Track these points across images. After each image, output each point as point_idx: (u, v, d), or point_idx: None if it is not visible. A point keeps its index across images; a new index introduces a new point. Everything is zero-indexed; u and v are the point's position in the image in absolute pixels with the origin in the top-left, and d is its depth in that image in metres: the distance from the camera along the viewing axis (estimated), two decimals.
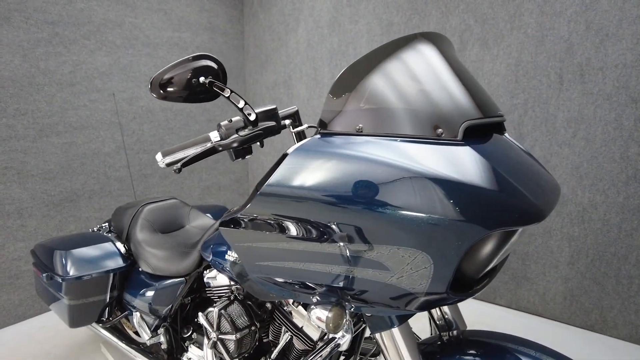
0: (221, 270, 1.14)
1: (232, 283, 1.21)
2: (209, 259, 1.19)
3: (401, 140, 0.65)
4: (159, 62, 2.67)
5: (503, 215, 0.60)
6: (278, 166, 0.71)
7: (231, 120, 0.89)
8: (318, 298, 0.80)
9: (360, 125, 0.68)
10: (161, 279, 1.40)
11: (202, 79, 0.83)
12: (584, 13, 1.91)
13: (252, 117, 0.86)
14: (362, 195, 0.63)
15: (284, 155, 0.71)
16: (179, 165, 0.83)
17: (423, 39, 0.75)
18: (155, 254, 1.41)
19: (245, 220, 0.79)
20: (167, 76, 0.82)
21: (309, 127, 1.05)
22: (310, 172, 0.68)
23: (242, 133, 0.86)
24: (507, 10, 2.10)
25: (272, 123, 0.90)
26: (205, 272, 1.30)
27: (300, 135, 1.04)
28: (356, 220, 0.65)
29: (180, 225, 1.64)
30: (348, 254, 0.69)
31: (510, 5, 2.09)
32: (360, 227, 0.65)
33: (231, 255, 1.08)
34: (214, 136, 0.86)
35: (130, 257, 1.56)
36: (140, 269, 1.52)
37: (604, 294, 2.03)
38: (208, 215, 1.78)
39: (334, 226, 0.68)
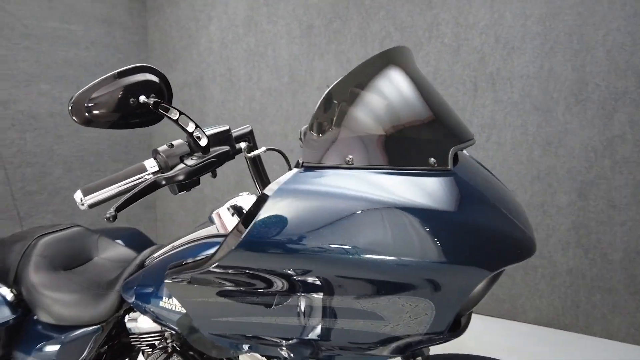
0: (153, 318, 0.96)
1: (165, 329, 1.03)
2: (134, 303, 0.99)
3: (397, 173, 0.59)
4: (42, 57, 2.25)
5: (508, 252, 0.59)
6: (257, 210, 0.58)
7: (172, 145, 0.72)
8: (288, 351, 0.70)
9: (350, 156, 0.59)
10: (68, 330, 1.13)
11: (142, 98, 0.66)
12: (493, 27, 2.05)
13: (204, 143, 0.71)
14: (363, 242, 0.55)
15: (263, 197, 0.58)
16: (112, 211, 0.64)
17: (396, 56, 0.69)
18: (59, 298, 1.14)
19: (205, 275, 0.66)
20: (95, 95, 0.63)
21: (268, 149, 0.91)
22: (299, 216, 0.56)
23: (190, 162, 0.70)
24: (425, 20, 2.17)
25: (226, 148, 0.75)
26: (127, 315, 1.09)
27: (256, 162, 0.88)
28: (354, 270, 0.57)
29: (87, 258, 1.37)
30: (338, 306, 0.60)
31: (428, 15, 2.16)
32: (359, 277, 0.57)
33: (168, 302, 0.90)
34: (151, 166, 0.69)
35: (20, 306, 1.25)
36: (35, 319, 1.22)
37: (514, 284, 2.21)
38: (119, 242, 1.52)
39: (326, 277, 0.58)
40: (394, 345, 0.63)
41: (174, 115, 0.68)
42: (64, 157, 2.44)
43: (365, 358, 0.67)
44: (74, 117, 0.64)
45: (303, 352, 0.69)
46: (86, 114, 0.64)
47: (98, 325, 1.11)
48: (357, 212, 0.55)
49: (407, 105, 0.65)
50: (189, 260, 0.74)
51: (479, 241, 0.57)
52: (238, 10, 2.59)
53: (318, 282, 0.59)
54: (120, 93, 0.65)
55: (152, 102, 0.67)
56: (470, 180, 0.62)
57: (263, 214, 0.57)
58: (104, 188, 0.66)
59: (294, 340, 0.68)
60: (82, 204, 0.65)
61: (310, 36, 2.43)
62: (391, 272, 0.56)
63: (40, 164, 2.32)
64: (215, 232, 0.98)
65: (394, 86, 0.66)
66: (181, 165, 0.70)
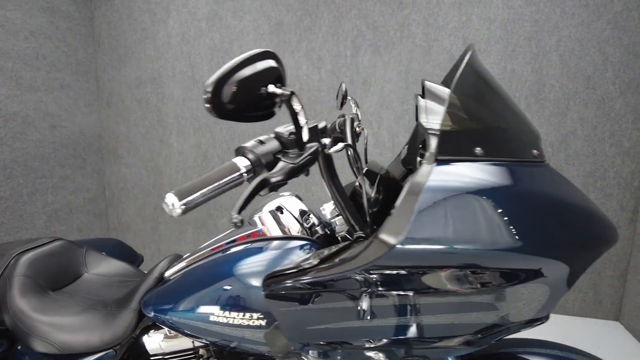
0: (187, 333, 0.88)
1: (199, 344, 0.95)
2: (159, 319, 0.91)
3: (517, 165, 0.61)
4: None
5: (605, 238, 0.62)
6: (408, 209, 0.55)
7: (261, 142, 0.66)
8: (382, 354, 0.68)
9: (479, 149, 0.59)
10: (75, 358, 1.00)
11: (271, 87, 0.61)
12: (461, 29, 2.16)
13: (306, 138, 0.66)
14: (507, 234, 0.56)
15: (409, 196, 0.56)
16: (237, 215, 0.57)
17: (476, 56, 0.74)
18: (60, 323, 1.00)
19: (323, 280, 0.63)
20: (230, 85, 0.56)
21: (346, 146, 0.85)
22: (456, 211, 0.56)
23: (292, 159, 0.65)
24: (396, 20, 2.23)
25: (316, 144, 0.71)
26: (144, 335, 0.99)
27: (330, 160, 0.82)
28: (494, 261, 0.57)
29: (76, 275, 1.22)
30: (453, 300, 0.60)
31: (399, 15, 2.22)
32: (496, 267, 0.57)
33: (215, 314, 0.83)
34: (244, 165, 0.63)
35: (4, 337, 1.08)
36: (23, 350, 1.06)
37: None
38: (102, 253, 1.37)
39: (464, 271, 0.58)
40: (489, 334, 0.64)
41: (297, 106, 0.64)
42: (3, 162, 2.15)
43: (455, 351, 0.68)
44: (213, 111, 0.57)
45: (397, 353, 0.68)
46: (225, 106, 0.58)
47: (110, 350, 0.99)
48: (503, 204, 0.56)
49: (507, 100, 0.69)
50: (288, 268, 0.69)
51: (588, 226, 0.60)
52: (200, 4, 2.46)
53: (449, 276, 0.58)
54: (253, 82, 0.59)
55: (288, 92, 0.62)
56: (556, 170, 0.66)
57: (420, 211, 0.55)
58: (199, 190, 0.59)
59: (389, 341, 0.67)
60: (176, 209, 0.57)
61: (280, 33, 2.38)
62: (526, 260, 0.57)
63: None
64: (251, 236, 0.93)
65: (495, 83, 0.70)
66: (282, 164, 0.65)
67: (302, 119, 0.66)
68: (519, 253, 0.56)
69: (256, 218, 0.96)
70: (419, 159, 0.79)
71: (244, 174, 0.63)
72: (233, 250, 0.90)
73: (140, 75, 2.63)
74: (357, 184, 0.87)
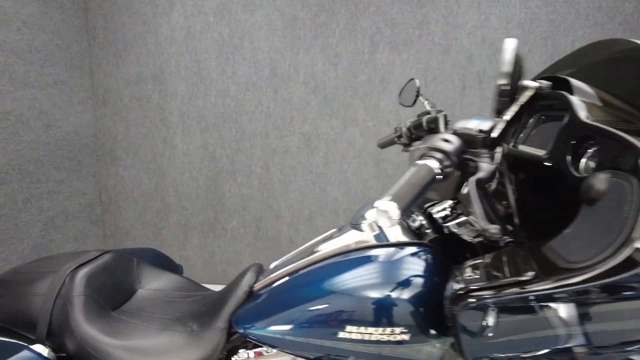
0: (296, 350, 0.81)
1: None
2: (260, 337, 0.83)
3: None
4: None
5: None
6: None
7: (448, 140, 0.61)
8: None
9: None
10: None
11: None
12: (480, 28, 2.18)
13: (495, 134, 0.62)
14: None
15: None
16: (398, 212, 0.51)
17: None
18: (137, 347, 0.90)
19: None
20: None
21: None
22: None
23: (487, 159, 0.60)
24: (415, 17, 2.21)
25: (503, 145, 0.66)
26: (235, 355, 0.91)
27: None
28: None
29: (131, 291, 1.11)
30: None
31: (418, 13, 2.20)
32: None
33: (332, 327, 0.77)
34: (435, 166, 0.58)
35: None
36: None
37: None
38: (152, 266, 1.26)
39: None
40: None
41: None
42: None
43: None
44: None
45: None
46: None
47: None
48: None
49: None
50: (481, 283, 0.63)
51: None
52: None
53: None
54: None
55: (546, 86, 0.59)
56: None
57: None
58: (409, 194, 0.53)
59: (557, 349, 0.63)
60: (394, 216, 0.51)
61: (294, 29, 2.30)
62: None
63: None
64: (359, 242, 0.87)
65: None
66: (485, 164, 0.60)
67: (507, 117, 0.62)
68: None
69: (365, 224, 0.90)
70: (569, 157, 0.76)
71: (437, 176, 0.58)
72: (342, 259, 0.84)
73: (140, 72, 2.47)
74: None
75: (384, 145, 1.28)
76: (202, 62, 2.40)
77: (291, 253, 1.00)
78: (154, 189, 2.57)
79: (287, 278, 0.89)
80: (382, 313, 0.73)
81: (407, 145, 1.15)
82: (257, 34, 2.34)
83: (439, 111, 1.06)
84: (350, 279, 0.78)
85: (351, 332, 0.75)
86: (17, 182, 2.04)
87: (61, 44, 2.29)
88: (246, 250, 2.57)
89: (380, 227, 0.88)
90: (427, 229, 0.90)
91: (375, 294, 0.75)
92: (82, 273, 0.99)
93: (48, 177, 2.22)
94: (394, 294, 0.74)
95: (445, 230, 0.89)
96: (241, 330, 0.86)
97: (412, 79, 1.21)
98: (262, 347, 0.90)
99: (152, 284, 1.15)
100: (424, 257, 0.80)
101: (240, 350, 0.92)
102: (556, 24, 2.12)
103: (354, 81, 2.30)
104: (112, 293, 1.04)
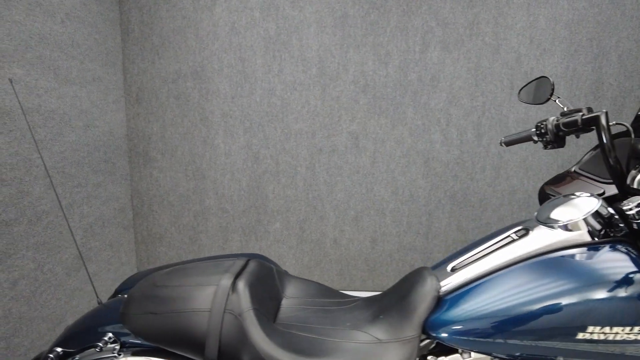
0: (498, 353, 0.79)
1: None
2: (466, 342, 0.81)
3: None
4: (15, 29, 1.60)
5: None
6: None
7: None
8: None
9: None
10: None
11: None
12: (529, 29, 2.22)
13: None
14: None
15: None
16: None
17: None
18: None
19: None
20: None
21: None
22: None
23: None
24: (466, 17, 2.23)
25: None
26: None
27: None
28: None
29: (277, 299, 1.04)
30: None
31: (469, 13, 2.22)
32: None
33: (568, 327, 0.75)
34: None
35: None
36: None
37: None
38: (285, 272, 1.19)
39: None
40: None
41: None
42: (44, 169, 1.79)
43: None
44: None
45: None
46: None
47: None
48: None
49: None
50: None
51: None
52: None
53: None
54: None
55: None
56: None
57: None
58: None
59: None
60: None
61: (345, 26, 2.27)
62: None
63: (18, 180, 1.64)
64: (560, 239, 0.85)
65: None
66: None
67: None
68: None
69: (569, 223, 0.88)
70: None
71: None
72: (552, 258, 0.82)
73: (179, 69, 2.35)
74: None
75: (511, 142, 1.27)
76: (247, 60, 2.32)
77: (468, 254, 0.97)
78: (193, 191, 2.45)
79: (482, 281, 0.86)
80: (628, 311, 0.72)
81: (549, 144, 1.15)
82: (305, 31, 2.28)
83: (589, 109, 1.05)
84: (577, 278, 0.77)
85: (593, 332, 0.73)
86: (61, 187, 1.89)
87: (98, 38, 2.14)
88: (289, 252, 2.50)
89: (585, 224, 0.87)
90: (620, 224, 0.90)
91: (614, 292, 0.73)
92: (243, 284, 0.92)
93: (87, 181, 2.07)
94: (630, 291, 0.73)
95: (635, 226, 0.90)
96: (443, 336, 0.83)
97: (544, 76, 1.21)
98: (456, 353, 0.87)
99: (291, 291, 1.09)
100: (632, 252, 0.80)
101: (429, 357, 0.88)
102: (602, 25, 2.20)
103: (404, 80, 2.29)
104: (269, 304, 0.97)
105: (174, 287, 0.93)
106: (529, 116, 2.29)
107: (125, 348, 0.95)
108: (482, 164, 2.35)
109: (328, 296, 1.08)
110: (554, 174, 2.32)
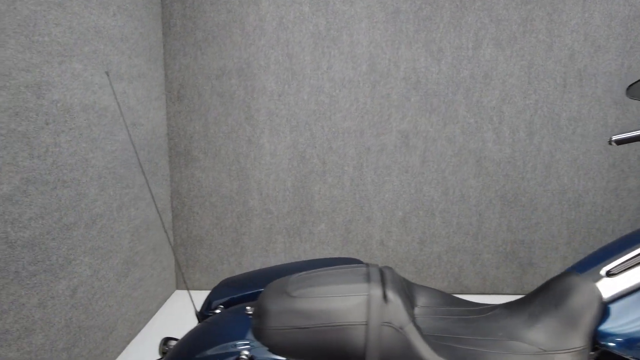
0: None
1: None
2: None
3: None
4: (75, 22, 1.50)
5: None
6: None
7: None
8: None
9: None
10: None
11: None
12: (583, 25, 2.19)
13: None
14: None
15: None
16: None
17: None
18: None
19: None
20: None
21: None
22: None
23: None
24: (519, 14, 2.19)
25: None
26: None
27: None
28: None
29: (412, 310, 0.97)
30: None
31: (523, 10, 2.18)
32: None
33: None
34: None
35: None
36: None
37: None
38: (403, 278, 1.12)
39: None
40: None
41: None
42: (98, 170, 1.69)
43: None
44: None
45: None
46: None
47: None
48: None
49: None
50: None
51: None
52: None
53: None
54: None
55: None
56: None
57: None
58: None
59: None
60: None
61: (396, 22, 2.21)
62: None
63: (76, 182, 1.54)
64: None
65: None
66: None
67: None
68: None
69: None
70: None
71: None
72: None
73: (223, 65, 2.26)
74: None
75: (623, 141, 1.22)
76: (295, 57, 2.25)
77: (621, 257, 0.91)
78: (236, 192, 2.37)
79: None
80: None
81: None
82: (356, 27, 2.22)
83: None
84: None
85: None
86: (112, 188, 1.80)
87: (143, 32, 2.05)
88: (334, 254, 2.43)
89: None
90: None
91: None
92: (393, 295, 0.85)
93: (134, 182, 1.98)
94: None
95: None
96: (614, 346, 0.77)
97: None
98: None
99: (420, 300, 1.02)
100: None
101: None
102: None
103: (457, 77, 2.24)
104: (411, 315, 0.91)
105: (316, 298, 0.85)
106: (581, 114, 2.26)
107: None
108: (533, 163, 2.31)
109: (457, 304, 1.02)
110: (604, 173, 2.30)
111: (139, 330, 2.07)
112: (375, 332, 0.79)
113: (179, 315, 2.22)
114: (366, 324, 0.80)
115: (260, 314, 0.88)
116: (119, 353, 1.88)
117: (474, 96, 2.26)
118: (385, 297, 0.83)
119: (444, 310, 0.99)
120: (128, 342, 1.96)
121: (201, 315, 1.15)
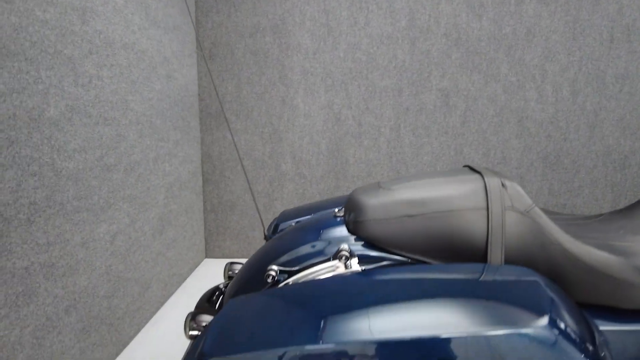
0: None
1: None
2: None
3: None
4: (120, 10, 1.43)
5: None
6: None
7: None
8: None
9: None
10: None
11: None
12: None
13: None
14: None
15: None
16: None
17: None
18: None
19: None
20: None
21: None
22: None
23: None
24: None
25: None
26: None
27: None
28: None
29: None
30: None
31: None
32: None
33: None
34: None
35: None
36: None
37: None
38: None
39: None
40: None
41: None
42: (137, 115, 1.61)
43: None
44: None
45: None
46: None
47: None
48: None
49: None
50: None
51: None
52: None
53: None
54: None
55: None
56: None
57: None
58: None
59: None
60: None
61: None
62: None
63: (116, 122, 1.47)
64: None
65: None
66: None
67: None
68: None
69: None
70: None
71: None
72: None
73: (257, 22, 2.19)
74: None
75: None
76: (331, 12, 2.17)
77: None
78: (269, 155, 2.29)
79: None
80: None
81: None
82: None
83: None
84: None
85: None
86: (149, 138, 1.72)
87: None
88: None
89: None
90: None
91: None
92: (511, 182, 0.77)
93: (169, 137, 1.90)
94: None
95: None
96: None
97: None
98: None
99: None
100: None
101: None
102: None
103: (499, 33, 2.16)
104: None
105: (422, 188, 0.77)
106: (629, 72, 2.17)
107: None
108: (576, 123, 2.23)
109: (557, 214, 0.94)
110: None
111: (172, 293, 1.98)
112: (498, 217, 0.71)
113: (211, 284, 2.13)
114: (487, 209, 0.72)
115: (354, 208, 0.80)
116: (153, 313, 1.79)
117: (516, 53, 2.18)
118: (503, 184, 0.75)
119: (551, 218, 0.90)
120: (162, 304, 1.87)
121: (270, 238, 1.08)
